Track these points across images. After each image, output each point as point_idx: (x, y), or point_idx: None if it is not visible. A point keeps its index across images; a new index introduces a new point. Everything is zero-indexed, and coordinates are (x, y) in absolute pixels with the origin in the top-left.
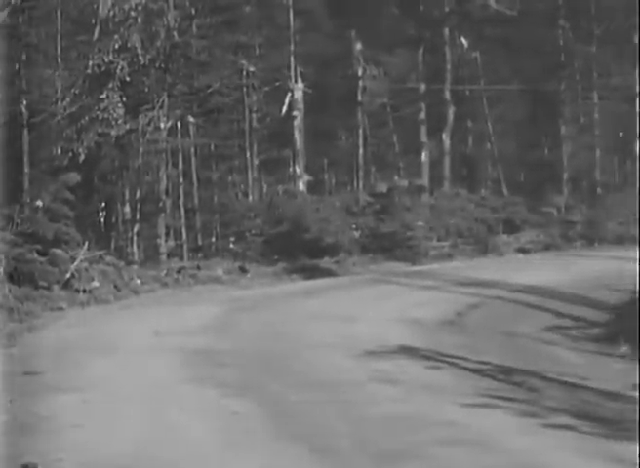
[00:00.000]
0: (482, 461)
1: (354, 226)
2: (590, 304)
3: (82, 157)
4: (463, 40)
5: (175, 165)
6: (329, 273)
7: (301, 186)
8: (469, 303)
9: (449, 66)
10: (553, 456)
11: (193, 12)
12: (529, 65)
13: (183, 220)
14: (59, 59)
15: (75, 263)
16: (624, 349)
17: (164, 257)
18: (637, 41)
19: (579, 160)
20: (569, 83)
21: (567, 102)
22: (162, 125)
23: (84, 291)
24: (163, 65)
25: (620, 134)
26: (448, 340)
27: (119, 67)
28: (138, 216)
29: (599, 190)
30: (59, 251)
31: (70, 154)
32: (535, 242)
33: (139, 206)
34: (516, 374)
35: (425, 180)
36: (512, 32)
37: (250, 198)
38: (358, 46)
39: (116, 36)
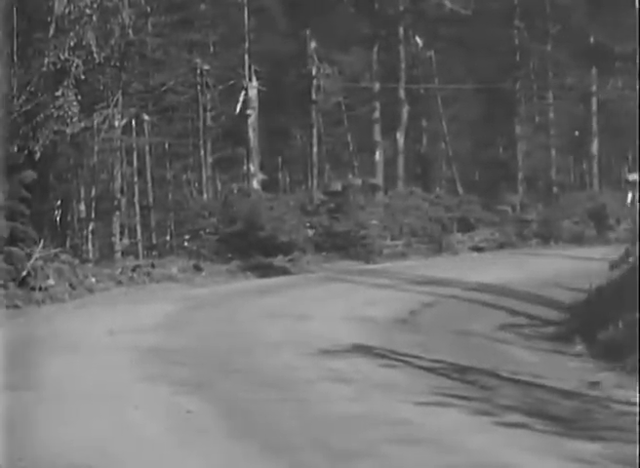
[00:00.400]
0: (436, 460)
1: (308, 225)
2: (545, 303)
3: (38, 155)
4: (418, 39)
5: (129, 163)
6: (283, 271)
7: (256, 185)
8: (423, 302)
9: (403, 65)
10: (507, 454)
11: (148, 10)
12: (484, 65)
13: (138, 219)
14: (14, 57)
15: (31, 261)
16: (579, 348)
17: (119, 256)
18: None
19: (534, 159)
20: (524, 82)
21: (522, 102)
22: (117, 123)
23: (40, 288)
24: (118, 63)
25: (576, 133)
26: (402, 339)
27: (74, 65)
28: (93, 215)
29: (554, 189)
30: (15, 248)
31: (26, 152)
32: (489, 240)
33: (94, 204)
34: (470, 373)
35: (380, 179)
36: (467, 32)
37: (204, 196)
38: (313, 44)
39: (72, 34)
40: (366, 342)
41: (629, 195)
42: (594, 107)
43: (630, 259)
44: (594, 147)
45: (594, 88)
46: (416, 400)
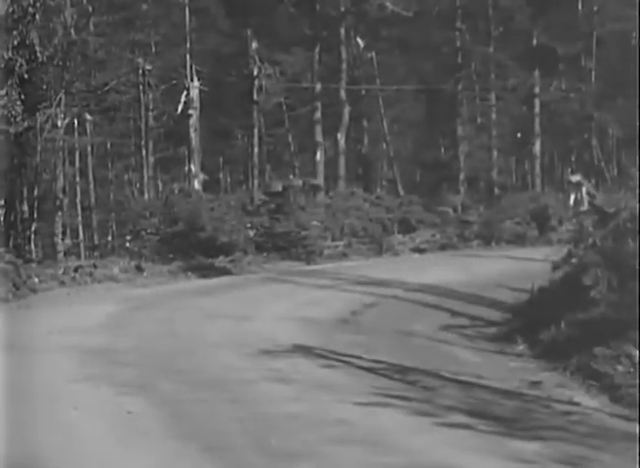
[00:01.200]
0: (376, 460)
1: (249, 225)
2: (487, 304)
3: None
4: (359, 40)
5: (72, 163)
6: (224, 272)
7: (197, 185)
8: (364, 302)
9: (345, 66)
10: (448, 455)
11: (90, 9)
12: (425, 66)
13: (80, 219)
14: None
15: None
16: (521, 348)
17: (61, 256)
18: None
19: (475, 160)
20: (466, 83)
21: (464, 103)
22: (59, 123)
23: None
24: (61, 63)
25: (518, 134)
26: (342, 339)
27: (18, 64)
28: (35, 215)
29: (496, 190)
30: None
31: None
32: (430, 242)
33: (36, 204)
34: (411, 373)
35: (321, 180)
36: (409, 33)
37: (146, 196)
38: (254, 45)
39: (15, 32)
40: (307, 343)
41: (572, 196)
42: (537, 109)
43: (573, 260)
44: (537, 148)
45: (537, 89)
46: (356, 400)
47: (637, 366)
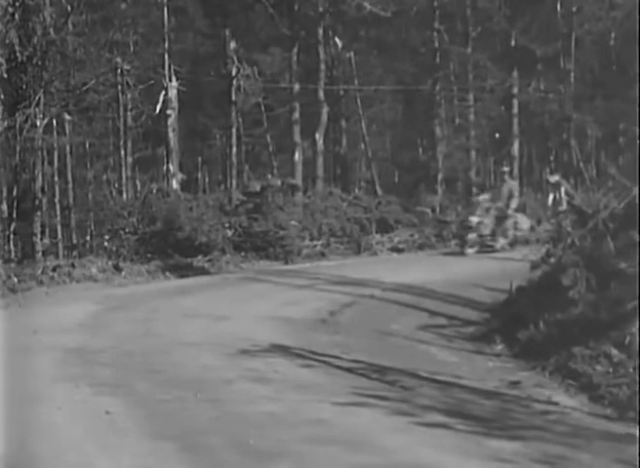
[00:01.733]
0: (354, 459)
1: (227, 225)
2: (465, 303)
3: None
4: (338, 40)
5: (50, 163)
6: (202, 271)
7: (175, 185)
8: (342, 302)
9: (323, 66)
10: (427, 454)
11: (69, 9)
12: (403, 66)
13: (59, 219)
14: None
15: None
16: (500, 348)
17: (40, 255)
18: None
19: (453, 160)
20: (444, 84)
21: (442, 103)
22: (38, 122)
23: None
24: (40, 62)
25: (496, 135)
26: (321, 339)
27: None
28: (14, 214)
29: (474, 190)
30: None
31: None
32: (408, 241)
33: (15, 204)
34: (389, 373)
35: (299, 180)
36: (387, 33)
37: (124, 196)
38: (232, 45)
39: None
40: (285, 342)
41: (550, 196)
42: (515, 109)
43: (551, 260)
44: (515, 149)
45: (515, 90)
46: (334, 400)
47: (618, 365)
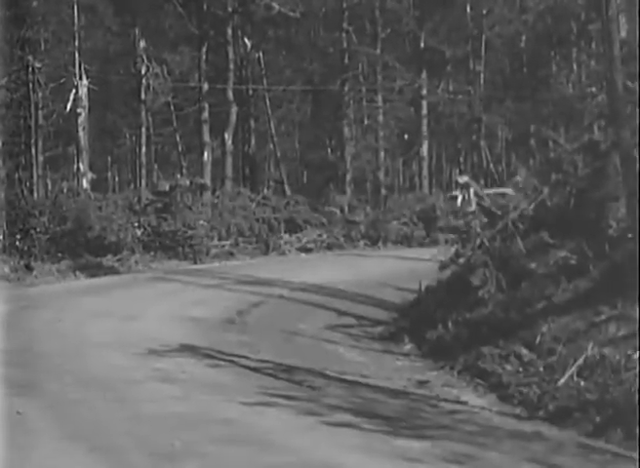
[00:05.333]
0: (262, 459)
1: (136, 224)
2: (374, 303)
3: None
4: (247, 40)
5: None
6: (112, 271)
7: (85, 184)
8: (251, 302)
9: (232, 66)
10: (334, 453)
11: None
12: (312, 67)
13: None
14: None
15: None
16: (408, 347)
17: None
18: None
19: (362, 161)
20: (353, 85)
21: (351, 104)
22: None
23: None
24: None
25: (405, 136)
26: (229, 339)
27: None
28: None
29: (383, 191)
30: None
31: None
32: (317, 241)
33: None
34: (297, 373)
35: (208, 179)
36: (295, 34)
37: (35, 195)
38: (142, 43)
39: None
40: (193, 342)
41: (459, 197)
42: (424, 110)
43: (460, 260)
44: (424, 150)
45: (424, 91)
46: (241, 400)
47: (528, 365)
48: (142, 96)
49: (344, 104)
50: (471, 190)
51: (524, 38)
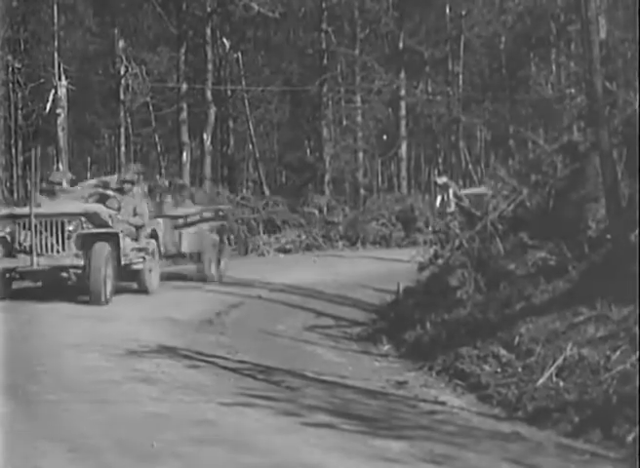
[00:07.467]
0: (240, 460)
1: None
2: (353, 304)
3: None
4: (225, 40)
5: None
6: None
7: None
8: (229, 303)
9: (210, 66)
10: (312, 454)
11: None
12: (291, 67)
13: None
14: None
15: None
16: (386, 348)
17: None
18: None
19: (341, 161)
20: (331, 85)
21: (329, 105)
22: None
23: None
24: None
25: (384, 137)
26: (207, 340)
27: None
28: None
29: (362, 191)
30: None
31: None
32: (296, 242)
33: None
34: (276, 374)
35: (186, 180)
36: (274, 34)
37: (15, 196)
38: (121, 43)
39: None
40: (171, 344)
41: (438, 197)
42: (403, 111)
43: (439, 261)
44: (403, 150)
45: (403, 92)
46: (220, 400)
47: (506, 365)
48: (121, 96)
49: (323, 105)
50: (450, 191)
51: (503, 39)
